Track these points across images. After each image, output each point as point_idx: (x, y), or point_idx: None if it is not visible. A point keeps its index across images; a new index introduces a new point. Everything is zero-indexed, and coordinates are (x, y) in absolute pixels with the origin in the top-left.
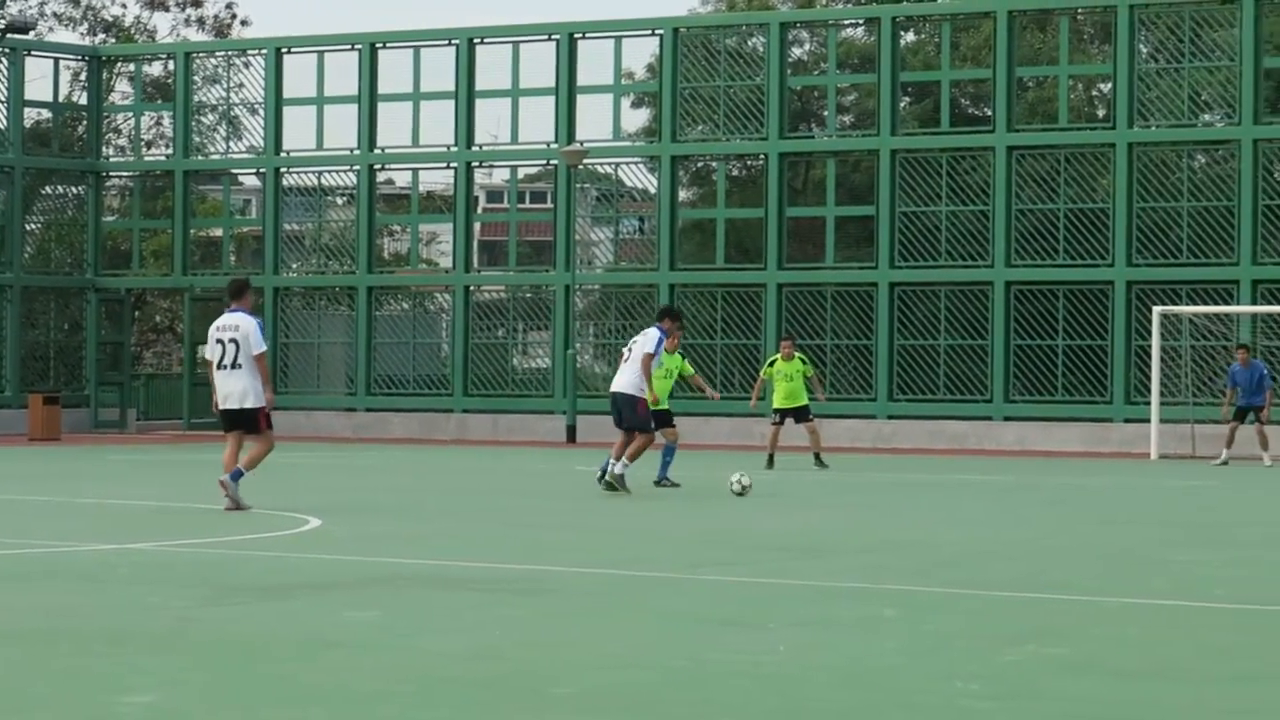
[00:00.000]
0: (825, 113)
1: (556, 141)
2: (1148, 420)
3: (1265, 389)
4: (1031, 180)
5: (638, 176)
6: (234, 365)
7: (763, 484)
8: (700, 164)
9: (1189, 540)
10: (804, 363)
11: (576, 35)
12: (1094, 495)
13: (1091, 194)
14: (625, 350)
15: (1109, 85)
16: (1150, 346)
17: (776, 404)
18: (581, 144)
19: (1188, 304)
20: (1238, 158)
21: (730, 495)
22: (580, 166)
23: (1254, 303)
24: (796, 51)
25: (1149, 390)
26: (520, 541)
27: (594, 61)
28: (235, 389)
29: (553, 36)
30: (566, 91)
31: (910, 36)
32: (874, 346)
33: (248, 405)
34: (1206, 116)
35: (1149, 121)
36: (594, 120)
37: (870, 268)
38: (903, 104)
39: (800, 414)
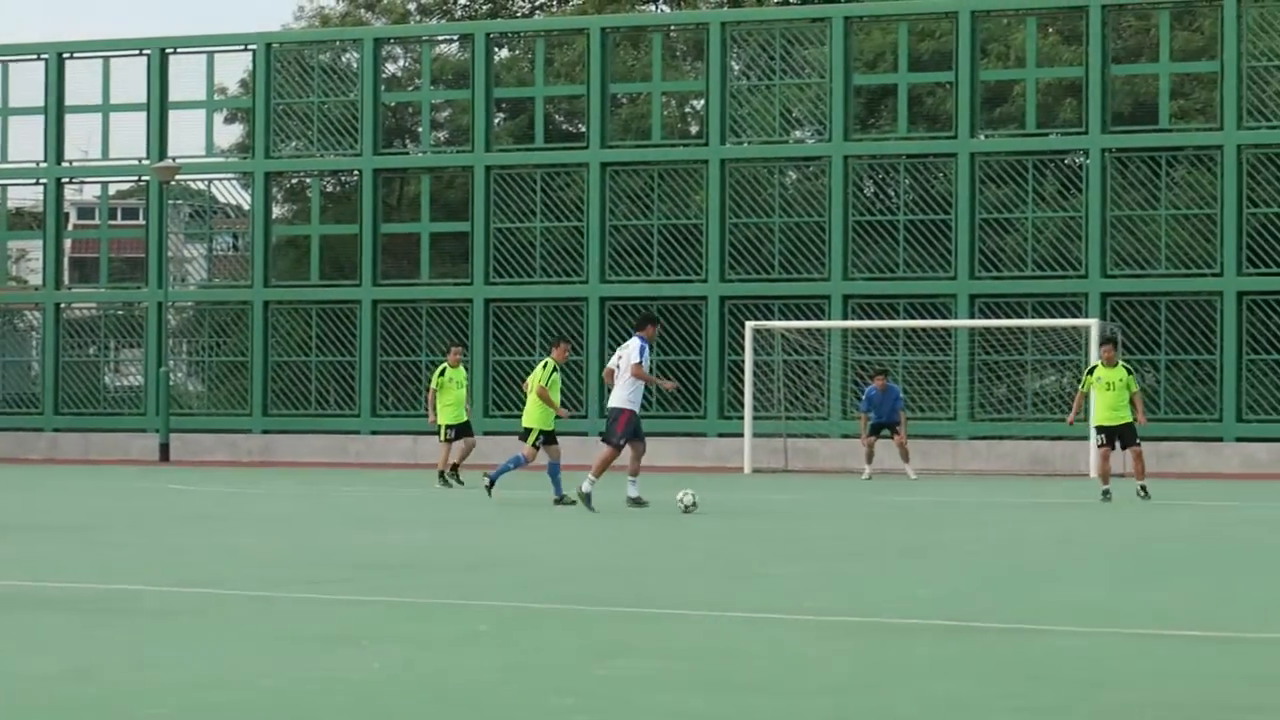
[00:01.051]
0: (420, 129)
1: (149, 157)
2: (741, 434)
3: (899, 410)
4: (625, 196)
5: (231, 193)
6: None
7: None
8: (294, 180)
9: (780, 553)
10: (468, 373)
11: (168, 50)
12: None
13: (685, 210)
14: (615, 370)
15: (702, 102)
16: (744, 361)
17: (447, 420)
18: (174, 160)
19: (780, 319)
20: (828, 174)
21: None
22: (173, 183)
23: (844, 317)
24: (391, 67)
25: (742, 405)
26: (112, 561)
27: (186, 77)
28: None
29: (144, 51)
30: (159, 107)
31: (504, 53)
32: (469, 363)
33: None
34: (798, 133)
35: (741, 138)
36: (187, 136)
37: (465, 284)
38: (497, 120)
39: (464, 429)
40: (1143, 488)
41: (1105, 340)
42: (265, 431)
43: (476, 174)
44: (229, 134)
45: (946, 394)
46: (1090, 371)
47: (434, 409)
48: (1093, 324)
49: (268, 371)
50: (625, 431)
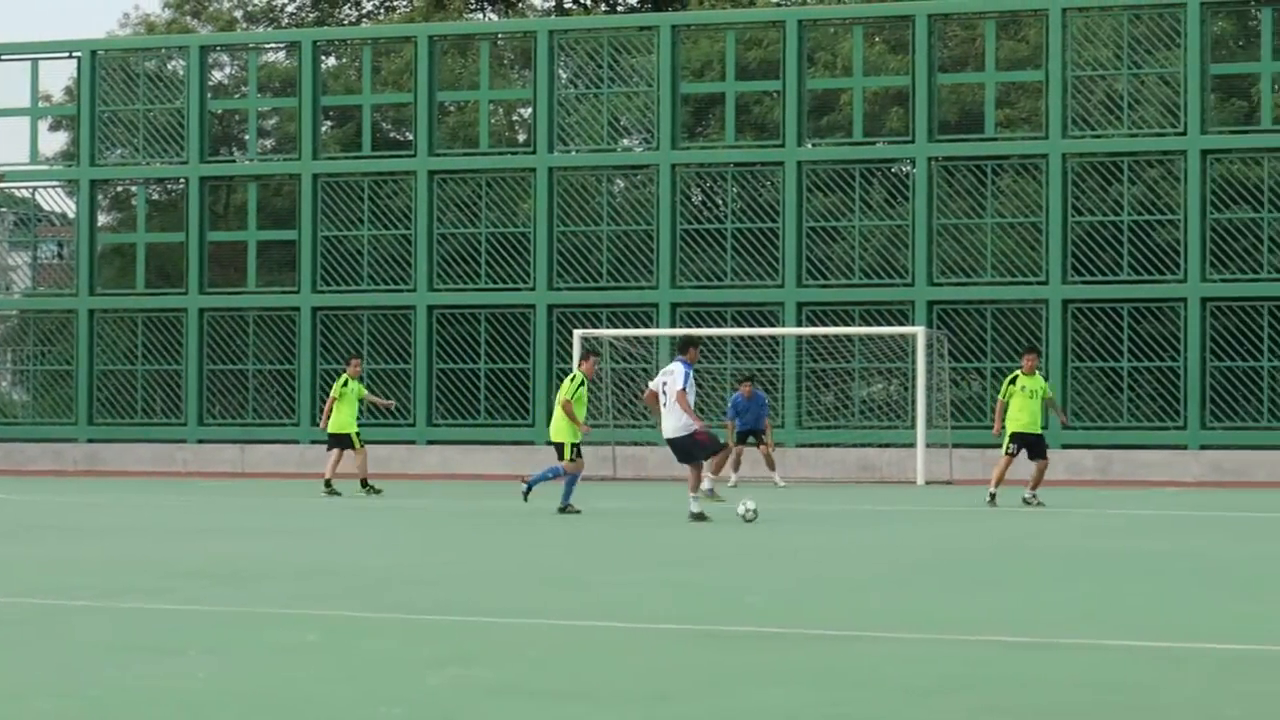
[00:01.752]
0: (247, 136)
1: None
2: None
3: (764, 417)
4: (453, 204)
5: (56, 200)
6: None
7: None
8: (120, 188)
9: (608, 561)
10: (363, 385)
11: None
12: (518, 518)
13: (513, 218)
14: (660, 393)
15: (529, 110)
16: (572, 369)
17: (354, 429)
18: None
19: (608, 327)
20: (656, 182)
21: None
22: None
23: (673, 325)
24: (217, 75)
25: None
26: None
27: (10, 83)
28: None
29: None
30: None
31: (331, 61)
32: (297, 372)
33: None
34: (625, 141)
35: (569, 146)
36: (11, 143)
37: (292, 292)
38: (324, 128)
39: (347, 440)
40: (1035, 495)
41: (1029, 350)
42: (91, 441)
43: (304, 182)
44: (54, 141)
45: (774, 402)
46: (1013, 381)
47: (329, 417)
48: (919, 332)
49: (93, 380)
50: (711, 443)
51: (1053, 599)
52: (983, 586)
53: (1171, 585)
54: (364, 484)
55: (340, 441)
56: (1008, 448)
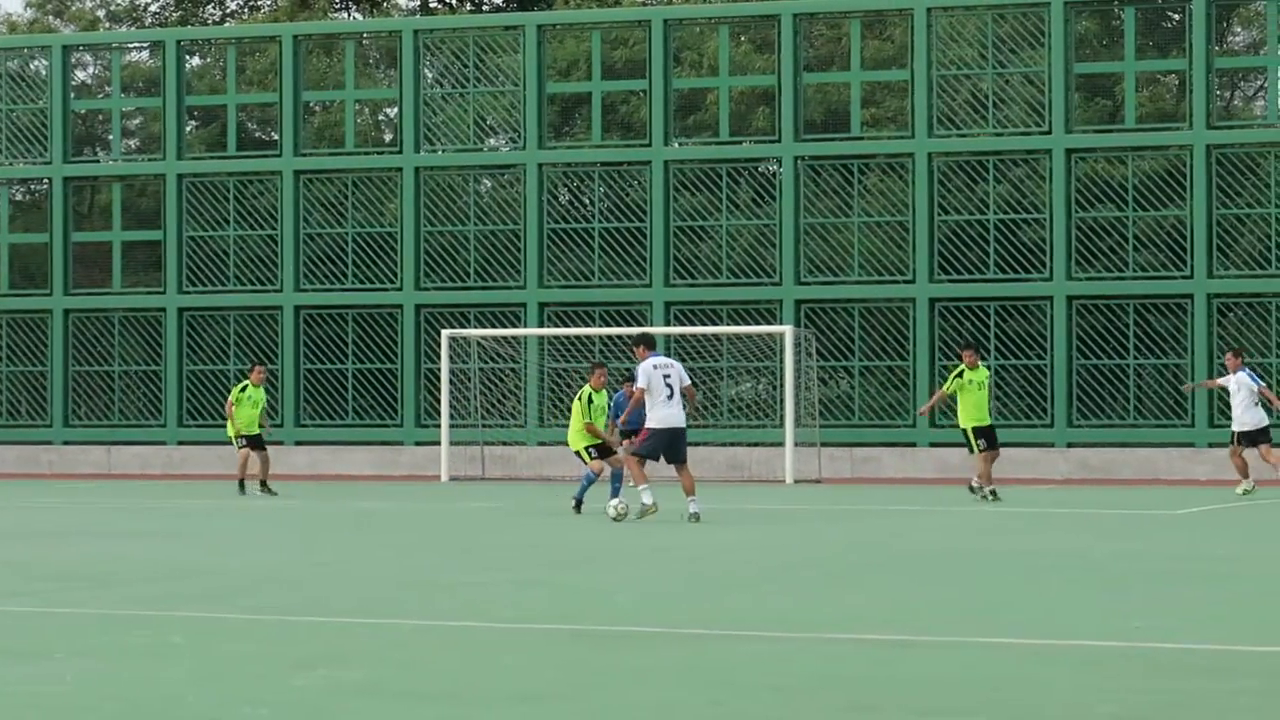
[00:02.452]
0: (110, 136)
1: None
2: (438, 443)
3: None
4: (319, 204)
5: None
6: None
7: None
8: None
9: (478, 561)
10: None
11: None
12: (385, 519)
13: (380, 218)
14: (664, 385)
15: (395, 110)
16: (440, 370)
17: (246, 430)
18: None
19: (476, 327)
20: (523, 182)
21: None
22: None
23: (540, 325)
24: (80, 75)
25: (439, 413)
26: None
27: None
28: None
29: None
30: None
31: (196, 60)
32: (164, 373)
33: None
34: (492, 141)
35: (435, 146)
36: None
37: (158, 293)
38: (189, 128)
39: (256, 441)
40: (993, 491)
41: (968, 346)
42: None
43: (169, 182)
44: None
45: None
46: (959, 375)
47: (233, 420)
48: (787, 330)
49: None
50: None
51: (922, 598)
52: (852, 586)
53: (1041, 583)
54: (241, 484)
55: (254, 441)
56: (978, 444)
